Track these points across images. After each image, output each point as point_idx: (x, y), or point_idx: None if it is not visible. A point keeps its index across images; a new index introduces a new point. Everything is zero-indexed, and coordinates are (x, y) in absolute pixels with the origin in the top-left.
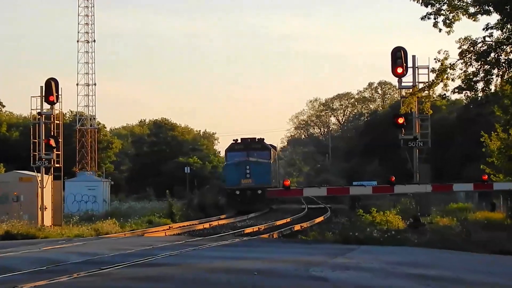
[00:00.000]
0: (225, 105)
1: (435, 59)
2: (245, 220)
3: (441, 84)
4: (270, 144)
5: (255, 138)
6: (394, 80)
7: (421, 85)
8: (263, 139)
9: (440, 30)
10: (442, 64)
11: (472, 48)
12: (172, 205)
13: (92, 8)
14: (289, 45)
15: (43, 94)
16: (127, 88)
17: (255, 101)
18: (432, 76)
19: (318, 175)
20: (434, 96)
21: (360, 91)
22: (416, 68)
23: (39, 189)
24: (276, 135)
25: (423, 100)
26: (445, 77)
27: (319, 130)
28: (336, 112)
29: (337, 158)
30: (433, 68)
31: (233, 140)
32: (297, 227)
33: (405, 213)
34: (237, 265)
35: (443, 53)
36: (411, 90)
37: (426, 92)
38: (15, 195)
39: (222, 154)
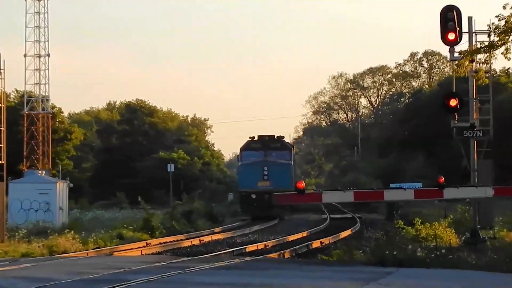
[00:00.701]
0: (220, 84)
1: (497, 16)
2: (247, 234)
3: (503, 49)
4: (288, 143)
5: (274, 135)
6: (444, 50)
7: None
8: (283, 137)
9: None
10: (507, 22)
11: None
12: (150, 215)
13: None
14: (304, 3)
15: None
16: (90, 61)
17: (259, 78)
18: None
19: (343, 175)
20: (494, 62)
21: (399, 64)
22: (474, 34)
23: None
24: (288, 122)
25: (480, 67)
26: (509, 40)
27: (345, 116)
28: (367, 91)
29: (369, 153)
30: (495, 26)
31: (249, 137)
32: (315, 244)
33: (460, 225)
34: None
35: (510, 8)
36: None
37: (484, 56)
38: None
39: (217, 147)
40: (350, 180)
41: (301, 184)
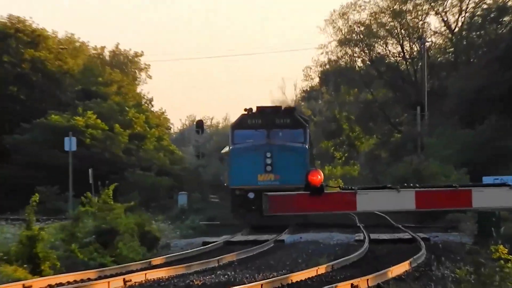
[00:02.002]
0: None
1: None
2: (214, 271)
3: None
4: (301, 116)
5: (280, 107)
6: None
7: None
8: (294, 108)
9: None
10: None
11: None
12: (34, 233)
13: None
14: None
15: None
16: None
17: None
18: None
19: (396, 159)
20: None
21: None
22: None
23: None
24: (290, 61)
25: None
26: None
27: (398, 49)
28: (441, 3)
29: (444, 118)
30: None
31: (245, 109)
32: None
33: None
34: None
35: None
36: None
37: None
38: None
39: (159, 106)
40: (407, 170)
41: (317, 177)
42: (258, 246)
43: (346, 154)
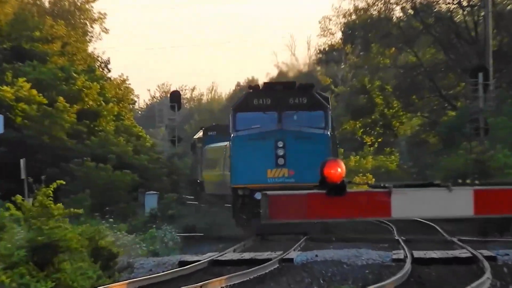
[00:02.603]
0: None
1: None
2: None
3: None
4: (321, 94)
5: (294, 82)
6: None
7: None
8: (312, 85)
9: None
10: None
11: None
12: None
13: None
14: None
15: None
16: None
17: None
18: None
19: (449, 146)
20: None
21: None
22: None
23: None
24: (305, 5)
25: None
26: None
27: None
28: None
29: None
30: None
31: (249, 87)
32: None
33: None
34: None
35: None
36: None
37: None
38: None
39: (119, 72)
40: (466, 161)
41: (336, 170)
42: (257, 268)
43: (380, 139)
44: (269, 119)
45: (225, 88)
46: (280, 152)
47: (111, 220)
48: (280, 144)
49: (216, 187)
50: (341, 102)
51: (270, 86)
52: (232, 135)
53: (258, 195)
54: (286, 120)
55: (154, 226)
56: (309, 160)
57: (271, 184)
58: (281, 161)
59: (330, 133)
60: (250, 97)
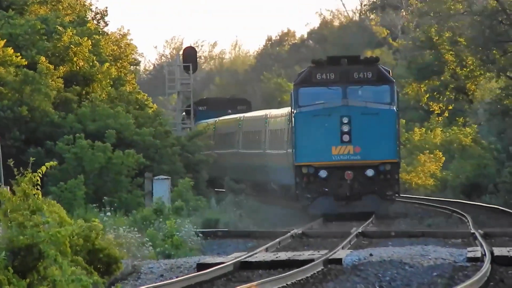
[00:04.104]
0: None
1: None
2: None
3: None
4: (385, 69)
5: (358, 56)
6: None
7: None
8: (377, 59)
9: None
10: None
11: None
12: None
13: None
14: None
15: None
16: None
17: None
18: None
19: None
20: None
21: None
22: None
23: None
24: None
25: None
26: None
27: None
28: None
29: None
30: None
31: (312, 61)
32: None
33: None
34: None
35: None
36: None
37: None
38: None
39: (115, 22)
40: None
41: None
42: (296, 271)
43: (451, 106)
44: (333, 94)
45: (253, 44)
46: (345, 128)
47: (109, 214)
48: (345, 120)
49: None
50: (401, 59)
51: (333, 59)
52: (294, 111)
53: (323, 173)
54: (351, 95)
55: (163, 219)
56: (375, 137)
57: (336, 161)
58: (346, 137)
59: (396, 110)
60: (313, 71)
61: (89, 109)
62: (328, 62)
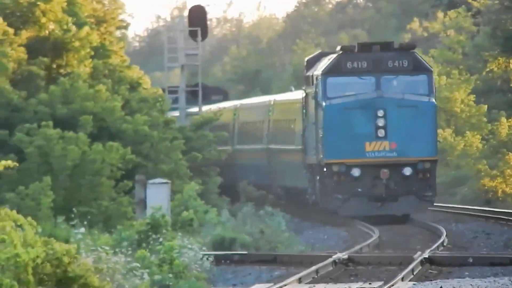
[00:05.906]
0: None
1: None
2: None
3: None
4: (422, 57)
5: (392, 42)
6: None
7: None
8: (414, 45)
9: None
10: None
11: None
12: None
13: None
14: None
15: None
16: None
17: None
18: None
19: None
20: None
21: None
22: None
23: None
24: None
25: None
26: None
27: None
28: None
29: None
30: None
31: (342, 48)
32: None
33: None
34: None
35: None
36: None
37: None
38: None
39: None
40: None
41: None
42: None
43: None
44: (365, 85)
45: (281, 4)
46: (381, 122)
47: (82, 229)
48: (380, 113)
49: None
50: (484, 26)
51: (365, 46)
52: (323, 103)
53: (356, 172)
54: (386, 85)
55: (159, 237)
56: (413, 132)
57: (370, 159)
58: (381, 132)
59: (435, 102)
60: (343, 59)
61: (60, 88)
62: (359, 49)
